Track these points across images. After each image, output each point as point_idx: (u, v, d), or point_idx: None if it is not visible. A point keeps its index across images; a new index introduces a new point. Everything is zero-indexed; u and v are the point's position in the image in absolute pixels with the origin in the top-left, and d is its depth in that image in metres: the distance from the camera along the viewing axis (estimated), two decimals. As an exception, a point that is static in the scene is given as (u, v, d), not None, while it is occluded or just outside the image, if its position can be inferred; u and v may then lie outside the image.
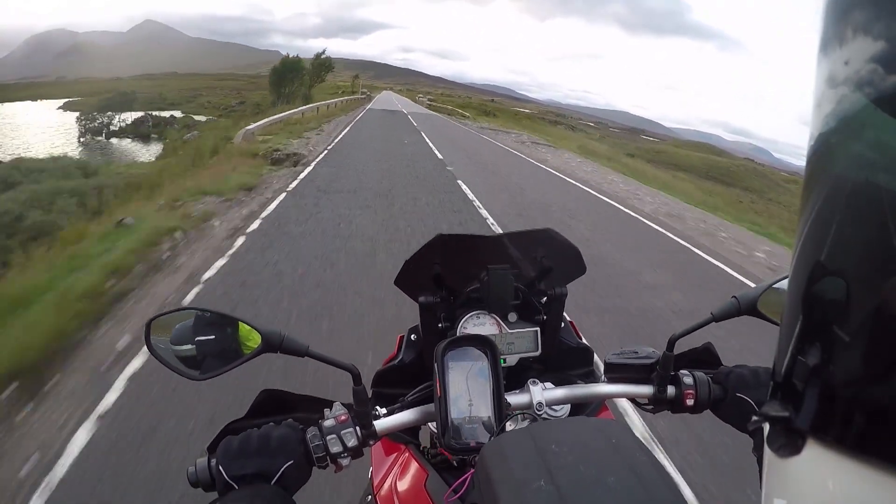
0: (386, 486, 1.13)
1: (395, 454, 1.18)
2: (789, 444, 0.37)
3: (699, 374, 1.07)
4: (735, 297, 1.03)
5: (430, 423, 1.05)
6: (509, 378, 1.01)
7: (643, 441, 0.65)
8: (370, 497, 1.16)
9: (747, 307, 1.02)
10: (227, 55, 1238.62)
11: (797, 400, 0.36)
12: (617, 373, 1.10)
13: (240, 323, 0.93)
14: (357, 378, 0.94)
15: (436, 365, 0.96)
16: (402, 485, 1.08)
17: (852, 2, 0.33)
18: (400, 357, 1.17)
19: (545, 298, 1.14)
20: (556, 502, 0.58)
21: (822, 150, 0.36)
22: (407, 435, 1.13)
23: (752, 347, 4.40)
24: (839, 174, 0.35)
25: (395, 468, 1.15)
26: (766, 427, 0.41)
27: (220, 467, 0.83)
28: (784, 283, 0.96)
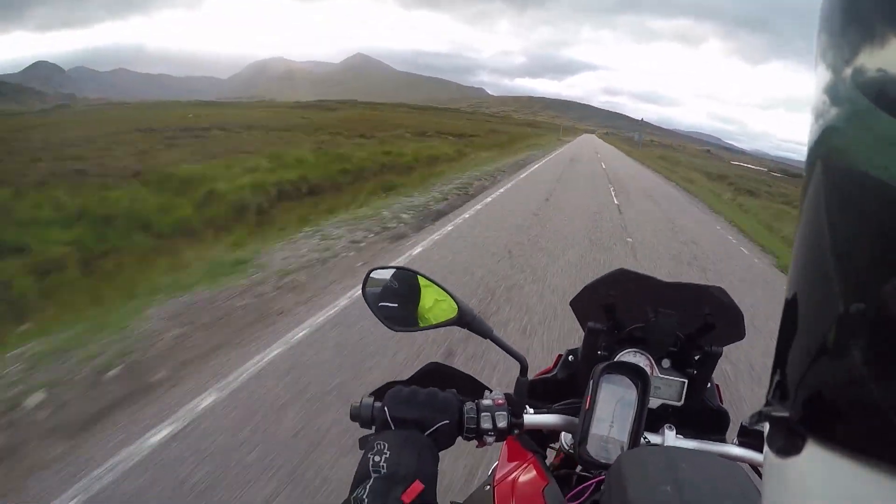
0: (506, 482, 1.20)
1: (520, 460, 1.24)
2: (789, 444, 0.38)
3: None
4: None
5: (563, 438, 1.20)
6: (647, 419, 1.05)
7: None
8: (489, 487, 1.24)
9: None
10: (432, 89, 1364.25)
11: (797, 400, 0.38)
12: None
13: (426, 294, 1.11)
14: (524, 369, 1.07)
15: (591, 381, 1.05)
16: (522, 485, 1.15)
17: (850, 2, 0.35)
18: (555, 372, 1.30)
19: (699, 354, 1.20)
20: None
21: (821, 152, 0.37)
22: (537, 446, 1.23)
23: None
24: (839, 174, 0.36)
25: (518, 470, 1.21)
26: (766, 427, 0.42)
27: (385, 408, 0.96)
28: None
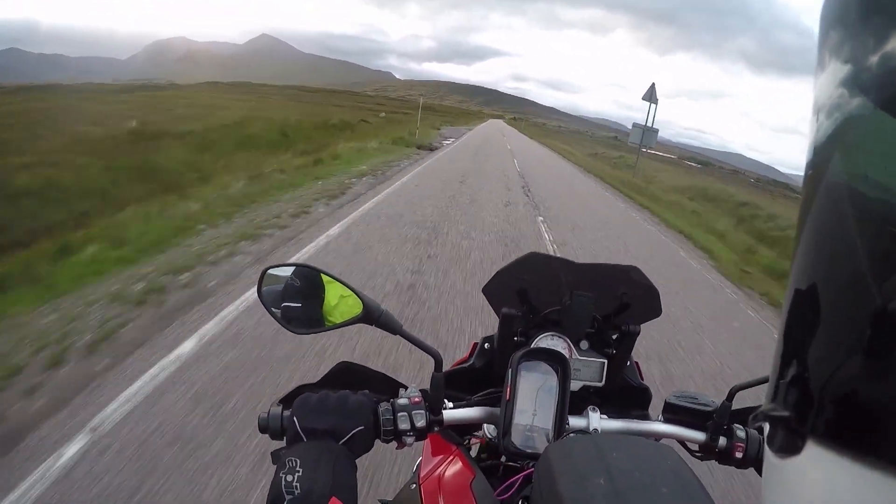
0: (432, 478, 1.19)
1: (445, 454, 1.22)
2: (789, 444, 0.38)
3: (752, 430, 1.11)
4: None
5: (486, 429, 1.17)
6: (570, 402, 1.05)
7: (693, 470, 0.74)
8: (414, 486, 1.23)
9: None
10: (338, 72, 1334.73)
11: (797, 400, 0.38)
12: (674, 414, 1.17)
13: (331, 292, 1.05)
14: (439, 364, 1.03)
15: (509, 371, 1.03)
16: (448, 480, 1.13)
17: (850, 5, 0.35)
18: (471, 362, 1.27)
19: (617, 334, 1.20)
20: (612, 498, 0.65)
21: (822, 155, 0.37)
22: (459, 438, 1.23)
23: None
24: (836, 181, 0.36)
25: (443, 465, 1.19)
26: (766, 427, 0.42)
27: (295, 418, 0.91)
28: None
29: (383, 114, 51.51)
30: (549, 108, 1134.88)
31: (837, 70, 0.35)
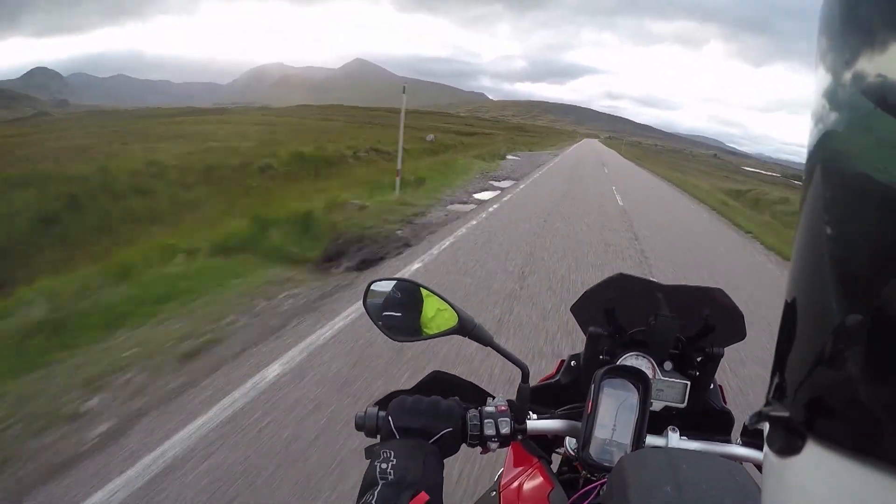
0: (512, 487, 1.23)
1: (526, 465, 1.26)
2: (789, 444, 0.38)
3: None
4: None
5: (567, 444, 1.18)
6: (650, 422, 1.07)
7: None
8: (495, 493, 1.28)
9: None
10: (432, 94, 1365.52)
11: (797, 400, 0.38)
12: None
13: (428, 304, 1.11)
14: (526, 376, 1.08)
15: (592, 386, 1.06)
16: (527, 490, 1.18)
17: (849, 3, 0.35)
18: (557, 378, 1.31)
19: (701, 356, 1.21)
20: None
21: (820, 154, 0.38)
22: (541, 451, 1.25)
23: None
24: (839, 177, 0.36)
25: (523, 476, 1.23)
26: (766, 427, 0.42)
27: (390, 417, 0.98)
28: None
29: (432, 136, 40.33)
30: (643, 125, 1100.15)
31: (835, 69, 0.35)
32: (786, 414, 0.39)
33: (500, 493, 1.27)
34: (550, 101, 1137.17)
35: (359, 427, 1.03)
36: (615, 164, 46.23)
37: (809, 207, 0.38)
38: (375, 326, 1.14)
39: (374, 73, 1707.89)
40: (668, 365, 1.22)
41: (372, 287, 1.17)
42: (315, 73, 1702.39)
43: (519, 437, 1.10)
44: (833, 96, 0.35)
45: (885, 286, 0.30)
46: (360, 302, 1.20)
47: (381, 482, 0.84)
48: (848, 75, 0.34)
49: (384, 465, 0.87)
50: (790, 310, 0.40)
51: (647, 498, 0.71)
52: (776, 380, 0.41)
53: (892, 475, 0.30)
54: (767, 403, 0.42)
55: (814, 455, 0.36)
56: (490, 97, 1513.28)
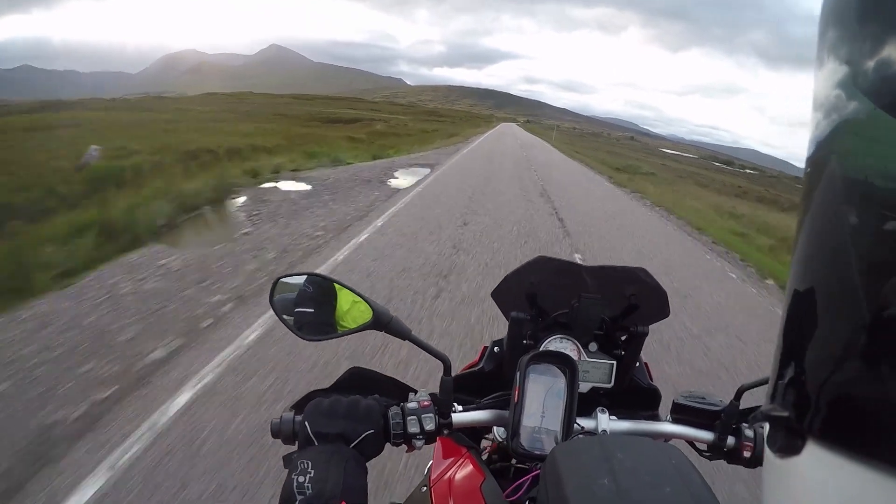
0: (443, 481, 1.21)
1: (455, 456, 1.25)
2: (789, 444, 0.38)
3: (760, 430, 1.12)
4: None
5: (496, 431, 1.16)
6: (579, 404, 1.06)
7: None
8: (425, 488, 1.26)
9: None
10: (348, 80, 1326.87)
11: (797, 400, 0.38)
12: (682, 414, 1.17)
13: (343, 298, 1.07)
14: (448, 369, 1.05)
15: (518, 373, 1.04)
16: (459, 482, 1.15)
17: (850, 4, 0.35)
18: (481, 365, 1.27)
19: (625, 335, 1.21)
20: (616, 499, 0.66)
21: (820, 154, 0.37)
22: (470, 440, 1.23)
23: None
24: (838, 176, 0.36)
25: (453, 468, 1.21)
26: (766, 427, 0.43)
27: (306, 423, 0.92)
28: None
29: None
30: (561, 109, 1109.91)
31: (836, 69, 0.35)
32: (786, 414, 0.38)
33: (431, 489, 1.23)
34: (469, 86, 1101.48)
35: (274, 435, 0.96)
36: (547, 158, 32.97)
37: (811, 207, 0.38)
38: (282, 324, 1.09)
39: (291, 58, 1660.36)
40: (593, 346, 1.20)
41: (282, 281, 1.13)
42: (230, 59, 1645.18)
43: (445, 431, 1.06)
44: (834, 96, 0.35)
45: (886, 285, 0.30)
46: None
47: (298, 497, 0.80)
48: (849, 75, 0.33)
49: (301, 479, 0.81)
50: (790, 310, 0.40)
51: (584, 492, 0.68)
52: (776, 380, 0.40)
53: (892, 475, 0.30)
54: (767, 403, 0.41)
55: (814, 455, 0.35)
56: (408, 82, 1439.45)
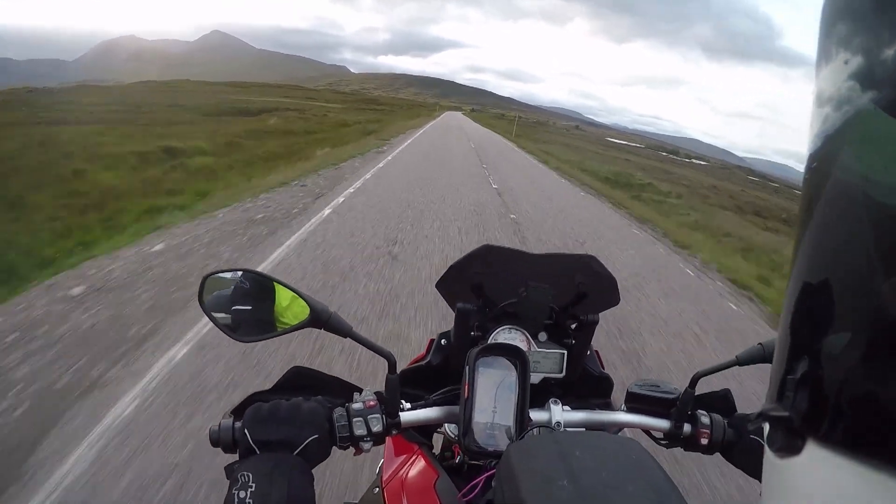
0: (395, 480, 1.18)
1: (407, 454, 1.23)
2: (789, 444, 0.38)
3: (716, 415, 1.12)
4: (761, 343, 1.06)
5: (447, 427, 1.15)
6: (531, 395, 1.04)
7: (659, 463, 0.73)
8: (378, 489, 1.22)
9: (770, 354, 0.80)
10: (291, 68, 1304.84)
11: (797, 400, 0.37)
12: (637, 403, 1.16)
13: (281, 294, 1.00)
14: (393, 366, 1.00)
15: (466, 368, 1.01)
16: (412, 482, 1.13)
17: (841, 13, 0.35)
18: (428, 359, 1.24)
19: (575, 324, 1.19)
20: (577, 502, 0.63)
21: (822, 155, 0.37)
22: (421, 437, 1.20)
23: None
24: (839, 178, 0.35)
25: (405, 466, 1.19)
26: (766, 427, 0.42)
27: (246, 430, 0.87)
28: None
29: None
30: (506, 98, 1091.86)
31: (846, 63, 0.34)
32: (786, 414, 0.38)
33: (383, 489, 1.20)
34: (413, 75, 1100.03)
35: (214, 443, 0.90)
36: (505, 161, 24.38)
37: (811, 207, 0.38)
38: (214, 325, 1.01)
39: (233, 45, 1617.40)
40: (542, 336, 1.19)
41: (212, 277, 1.04)
42: (171, 46, 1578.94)
43: (394, 431, 1.02)
44: (841, 87, 0.35)
45: (886, 285, 0.30)
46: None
47: None
48: (858, 69, 0.33)
49: (242, 494, 0.78)
50: (790, 309, 0.40)
51: (540, 494, 0.66)
52: (777, 379, 0.40)
53: (892, 475, 0.30)
54: (768, 403, 0.41)
55: (814, 455, 0.35)
56: (352, 70, 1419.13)
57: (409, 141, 27.55)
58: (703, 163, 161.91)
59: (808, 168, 0.39)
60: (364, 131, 30.81)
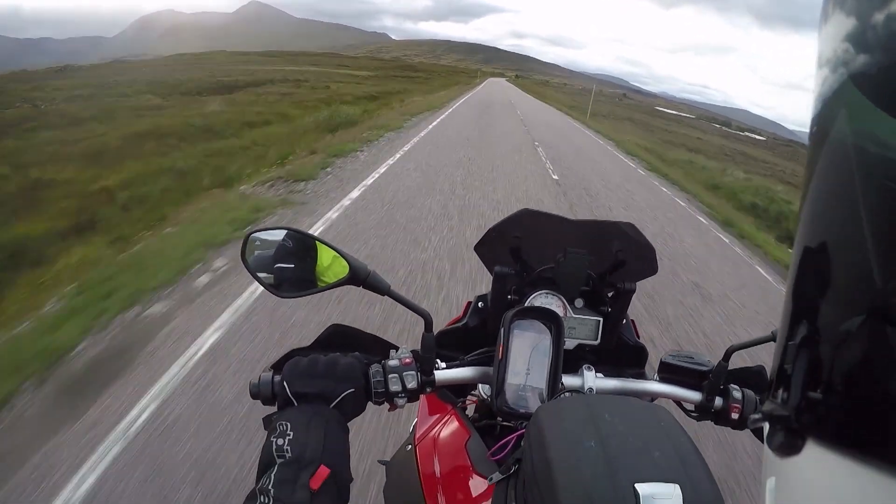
0: (427, 439, 1.20)
1: (440, 413, 1.24)
2: (789, 443, 0.38)
3: (749, 391, 1.11)
4: None
5: (481, 388, 1.16)
6: (564, 361, 1.04)
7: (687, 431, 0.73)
8: (410, 447, 1.24)
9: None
10: (332, 36, 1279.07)
11: (797, 400, 0.37)
12: (670, 373, 1.15)
13: (323, 252, 1.01)
14: (429, 324, 1.01)
15: (502, 330, 1.02)
16: (443, 440, 1.15)
17: None
18: (465, 321, 1.24)
19: (612, 292, 1.19)
20: (603, 464, 0.64)
21: (827, 110, 0.36)
22: (455, 397, 1.23)
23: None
24: (844, 134, 0.35)
25: (438, 425, 1.20)
26: (766, 427, 0.42)
27: (285, 383, 0.90)
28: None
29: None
30: (550, 64, 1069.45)
31: (843, 24, 0.34)
32: (786, 414, 0.38)
33: (415, 447, 1.22)
34: (455, 41, 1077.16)
35: (254, 396, 0.94)
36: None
37: (811, 207, 0.37)
38: (256, 281, 1.04)
39: (272, 15, 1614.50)
40: (579, 302, 1.19)
41: (254, 235, 1.06)
42: (208, 18, 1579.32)
43: (428, 389, 1.03)
44: (838, 49, 0.34)
45: (886, 285, 0.30)
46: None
47: (278, 461, 0.78)
48: (854, 30, 0.33)
49: (280, 441, 0.80)
50: (791, 309, 0.39)
51: (569, 455, 0.67)
52: (777, 380, 0.40)
53: (892, 475, 0.30)
54: (767, 403, 0.41)
55: (814, 455, 0.35)
56: (392, 37, 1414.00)
57: (445, 113, 21.84)
58: (760, 137, 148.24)
59: (810, 132, 0.38)
60: (347, 120, 18.38)
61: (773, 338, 0.97)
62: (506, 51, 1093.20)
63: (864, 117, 0.33)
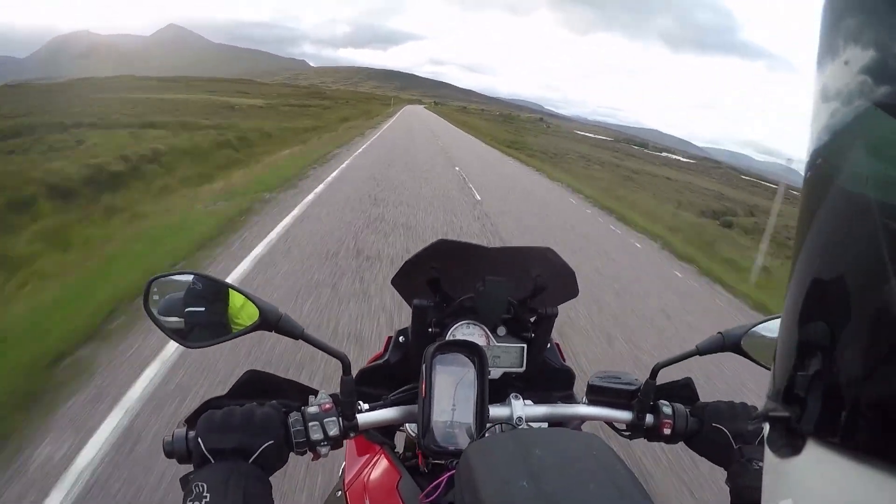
0: (357, 483, 1.16)
1: (369, 454, 1.20)
2: (789, 444, 0.37)
3: (678, 405, 1.11)
4: (720, 333, 1.06)
5: (408, 426, 1.12)
6: (491, 391, 1.02)
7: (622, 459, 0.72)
8: (340, 493, 1.20)
9: (731, 344, 1.06)
10: (249, 62, 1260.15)
11: (797, 400, 0.37)
12: (598, 395, 1.14)
13: (234, 295, 0.96)
14: (347, 367, 0.97)
15: (424, 366, 0.98)
16: (374, 484, 1.11)
17: (849, 6, 0.34)
18: (386, 357, 1.20)
19: (535, 317, 1.17)
20: (537, 502, 0.62)
21: (828, 150, 0.36)
22: (383, 437, 1.18)
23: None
24: (849, 174, 0.34)
25: (367, 467, 1.17)
26: (766, 427, 0.42)
27: (199, 439, 0.84)
28: (766, 326, 1.06)
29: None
30: (466, 90, 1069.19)
31: (856, 57, 0.33)
32: (786, 414, 0.38)
33: (345, 492, 1.18)
34: (373, 68, 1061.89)
35: (168, 454, 0.88)
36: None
37: (811, 207, 0.37)
38: (162, 331, 0.96)
39: (190, 40, 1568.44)
40: (501, 330, 1.17)
41: (158, 281, 0.98)
42: (125, 41, 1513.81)
43: (351, 434, 0.99)
44: (850, 83, 0.34)
45: (886, 284, 0.30)
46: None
47: None
48: (871, 63, 0.32)
49: None
50: (790, 309, 0.39)
51: (500, 496, 0.65)
52: (776, 380, 0.40)
53: (893, 475, 0.30)
54: (768, 404, 0.41)
55: (814, 455, 0.35)
56: (311, 64, 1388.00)
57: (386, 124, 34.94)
58: (684, 160, 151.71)
59: (812, 164, 0.38)
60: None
61: (697, 352, 1.04)
62: (424, 77, 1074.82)
63: (885, 149, 0.33)
